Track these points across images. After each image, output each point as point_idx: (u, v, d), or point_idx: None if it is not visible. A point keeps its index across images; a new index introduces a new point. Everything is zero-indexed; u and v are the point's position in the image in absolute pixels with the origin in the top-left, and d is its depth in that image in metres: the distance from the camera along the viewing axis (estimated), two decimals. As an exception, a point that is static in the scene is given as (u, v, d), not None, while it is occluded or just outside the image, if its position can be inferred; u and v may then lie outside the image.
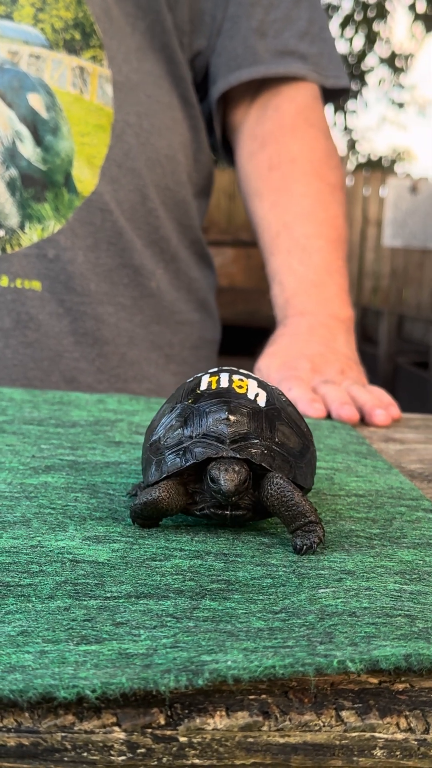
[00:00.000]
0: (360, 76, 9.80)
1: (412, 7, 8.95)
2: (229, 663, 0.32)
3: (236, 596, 0.39)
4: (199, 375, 0.52)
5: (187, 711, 0.32)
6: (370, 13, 9.36)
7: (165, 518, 0.49)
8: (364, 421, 0.83)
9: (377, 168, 11.08)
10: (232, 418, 0.48)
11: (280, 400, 0.51)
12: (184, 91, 1.08)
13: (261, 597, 0.39)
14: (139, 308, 1.04)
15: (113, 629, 0.35)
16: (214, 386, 0.50)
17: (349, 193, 7.02)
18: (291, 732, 0.32)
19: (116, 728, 0.31)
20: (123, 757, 0.31)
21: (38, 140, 0.95)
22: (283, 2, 1.11)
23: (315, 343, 0.95)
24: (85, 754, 0.31)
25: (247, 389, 0.50)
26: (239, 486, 0.45)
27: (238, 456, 0.46)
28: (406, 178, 7.37)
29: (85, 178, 0.97)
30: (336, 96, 1.19)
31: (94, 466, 0.60)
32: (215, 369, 0.52)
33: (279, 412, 0.50)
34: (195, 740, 0.31)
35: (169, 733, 0.31)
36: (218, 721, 0.32)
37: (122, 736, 0.31)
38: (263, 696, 0.32)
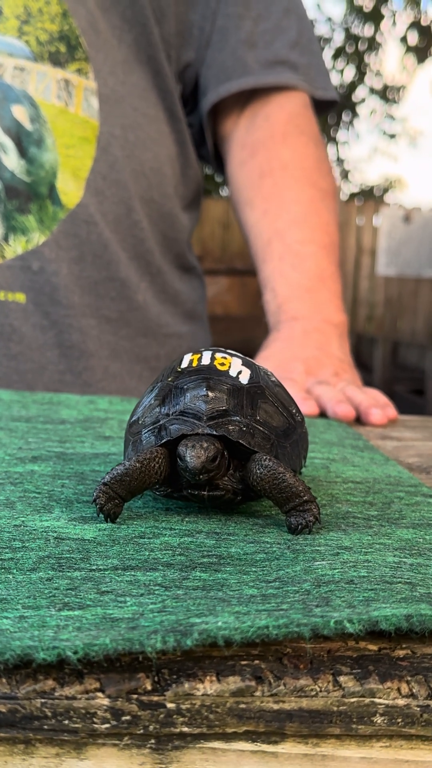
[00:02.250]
0: (351, 108, 9.88)
1: (404, 39, 9.05)
2: (219, 624, 0.30)
3: (228, 568, 0.37)
4: (183, 354, 0.50)
5: (175, 676, 0.30)
6: (362, 46, 9.47)
7: (133, 498, 0.45)
8: (360, 421, 0.82)
9: (369, 197, 11.13)
10: (210, 394, 0.45)
11: (266, 379, 0.49)
12: (170, 105, 1.07)
13: (254, 569, 0.37)
14: (126, 321, 1.03)
15: (98, 597, 0.33)
16: (195, 364, 0.48)
17: (343, 223, 7.04)
18: (285, 698, 0.30)
19: (99, 694, 0.29)
20: (107, 725, 0.29)
21: (22, 152, 0.94)
22: (273, 13, 1.11)
23: (309, 347, 0.93)
24: (66, 721, 0.29)
25: (229, 366, 0.48)
26: (207, 463, 0.43)
27: (214, 433, 0.44)
28: (399, 208, 7.41)
29: (70, 191, 0.96)
30: (323, 109, 1.18)
31: (82, 457, 0.58)
32: (201, 349, 0.50)
33: (262, 390, 0.48)
34: (183, 706, 0.29)
35: (155, 698, 0.29)
36: (208, 686, 0.30)
37: (106, 702, 0.29)
38: (256, 661, 0.31)
